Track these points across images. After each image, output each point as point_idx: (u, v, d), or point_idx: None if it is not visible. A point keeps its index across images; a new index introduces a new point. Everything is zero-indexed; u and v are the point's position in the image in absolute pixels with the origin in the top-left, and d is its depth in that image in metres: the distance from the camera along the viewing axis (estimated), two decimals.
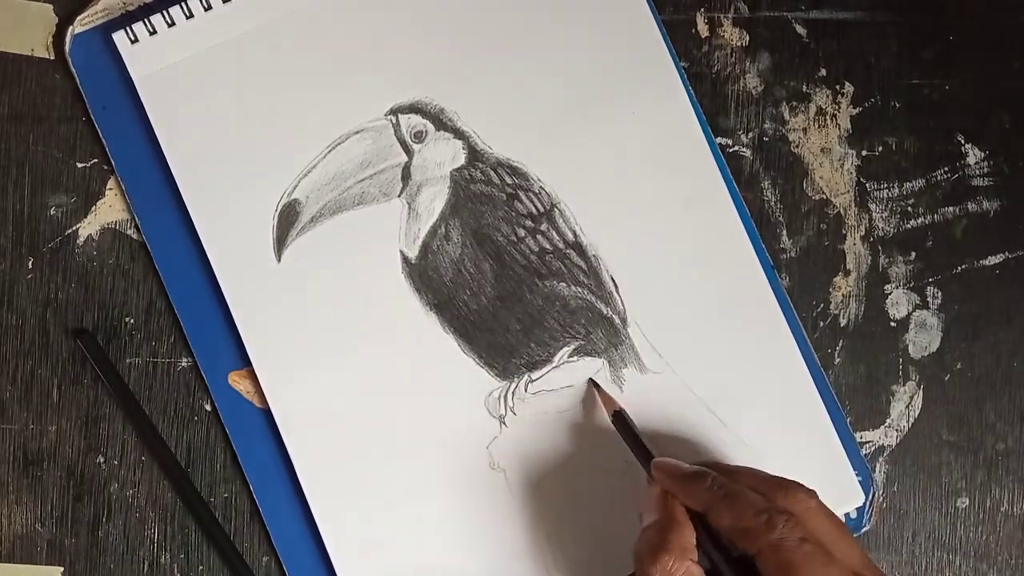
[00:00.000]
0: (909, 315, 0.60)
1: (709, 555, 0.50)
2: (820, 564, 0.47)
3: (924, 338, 0.60)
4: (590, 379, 0.58)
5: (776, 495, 0.50)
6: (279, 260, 0.57)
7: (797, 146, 0.60)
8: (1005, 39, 0.60)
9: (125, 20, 0.57)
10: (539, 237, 0.58)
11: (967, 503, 0.60)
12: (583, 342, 0.58)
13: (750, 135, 0.60)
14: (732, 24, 0.60)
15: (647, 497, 0.52)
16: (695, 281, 0.58)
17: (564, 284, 0.58)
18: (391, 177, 0.58)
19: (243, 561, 0.58)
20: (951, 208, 0.60)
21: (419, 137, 0.58)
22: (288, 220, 0.58)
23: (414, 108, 0.58)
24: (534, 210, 0.58)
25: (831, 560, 0.47)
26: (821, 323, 0.59)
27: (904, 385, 0.60)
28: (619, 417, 0.56)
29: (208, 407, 0.58)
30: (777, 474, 0.52)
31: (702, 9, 0.60)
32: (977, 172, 0.60)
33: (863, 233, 0.60)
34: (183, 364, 0.58)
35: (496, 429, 0.58)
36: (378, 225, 0.58)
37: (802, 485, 0.51)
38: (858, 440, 0.59)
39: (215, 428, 0.58)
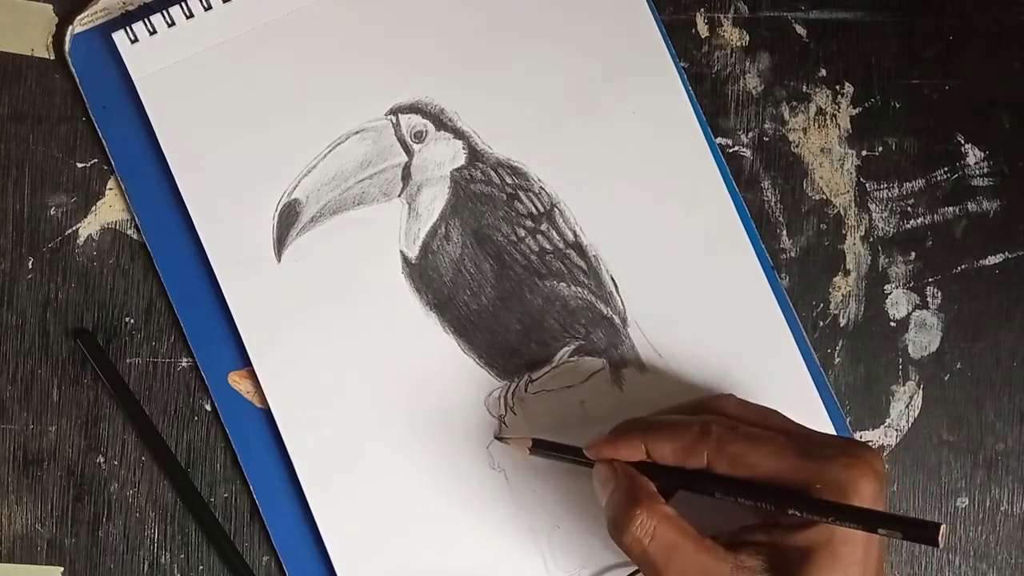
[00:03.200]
0: (909, 315, 0.60)
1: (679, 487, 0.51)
2: (762, 441, 0.48)
3: (924, 338, 0.60)
4: (496, 437, 0.58)
5: (700, 409, 0.52)
6: (279, 260, 0.57)
7: (797, 146, 0.60)
8: (1005, 39, 0.60)
9: (125, 20, 0.57)
10: (539, 237, 0.58)
11: (967, 503, 0.60)
12: (583, 342, 0.58)
13: (750, 135, 0.60)
14: (732, 24, 0.60)
15: (596, 478, 0.52)
16: (695, 281, 0.58)
17: (564, 284, 0.58)
18: (391, 177, 0.58)
19: (243, 561, 0.58)
20: (951, 208, 0.60)
21: (419, 137, 0.58)
22: (288, 220, 0.58)
23: (414, 108, 0.58)
24: (534, 210, 0.58)
25: (770, 433, 0.49)
26: (821, 323, 0.59)
27: (904, 385, 0.60)
28: (537, 443, 0.56)
29: (208, 407, 0.58)
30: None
31: (702, 9, 0.60)
32: (977, 172, 0.60)
33: (863, 233, 0.60)
34: (183, 364, 0.58)
35: (496, 429, 0.58)
36: (378, 225, 0.58)
37: (718, 393, 0.54)
38: (858, 440, 0.59)
39: (215, 428, 0.58)
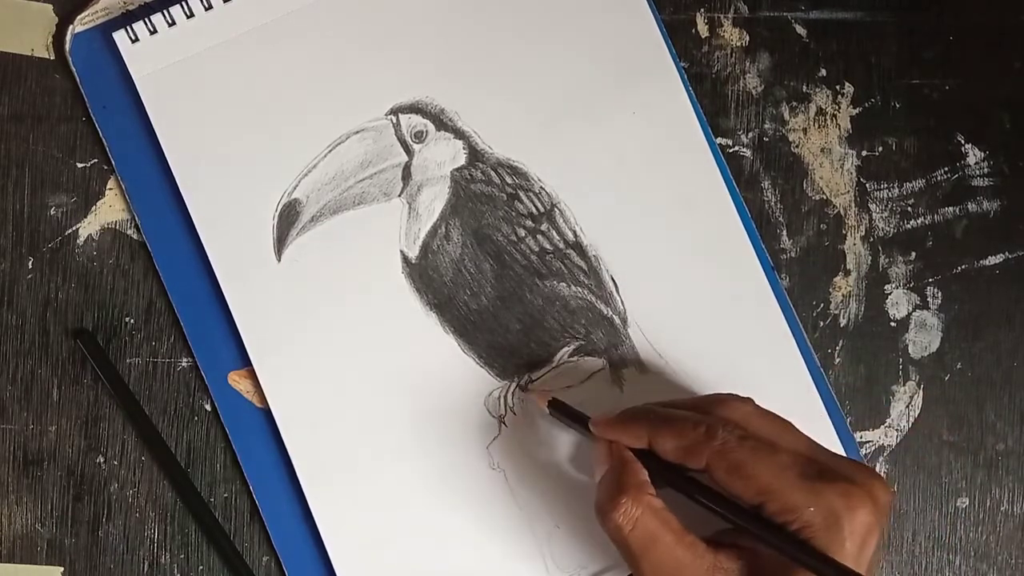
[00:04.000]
0: (909, 315, 0.60)
1: (669, 483, 0.51)
2: (766, 455, 0.47)
3: (924, 338, 0.60)
4: (518, 385, 0.58)
5: (713, 410, 0.51)
6: (279, 260, 0.57)
7: (797, 146, 0.60)
8: (1005, 39, 0.60)
9: (125, 19, 0.57)
10: (539, 237, 0.58)
11: (967, 503, 0.60)
12: (583, 342, 0.58)
13: (750, 135, 0.60)
14: (732, 24, 0.60)
15: (593, 455, 0.53)
16: (695, 281, 0.58)
17: (564, 284, 0.58)
18: (391, 177, 0.58)
19: (243, 561, 0.57)
20: (951, 208, 0.60)
21: (419, 137, 0.58)
22: (288, 220, 0.58)
23: (414, 108, 0.58)
24: (534, 210, 0.58)
25: (776, 449, 0.48)
26: (821, 323, 0.60)
27: (904, 385, 0.60)
28: (555, 404, 0.56)
29: (208, 407, 0.58)
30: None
31: (702, 9, 0.60)
32: (977, 172, 0.60)
33: (863, 233, 0.60)
34: (183, 364, 0.58)
35: (496, 429, 0.58)
36: (378, 225, 0.58)
37: (735, 394, 0.52)
38: (858, 440, 0.59)
39: (215, 428, 0.58)
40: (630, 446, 0.51)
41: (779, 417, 0.51)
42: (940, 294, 0.60)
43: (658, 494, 0.49)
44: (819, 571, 0.45)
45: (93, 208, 0.58)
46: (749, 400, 0.51)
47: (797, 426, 0.51)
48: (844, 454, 0.58)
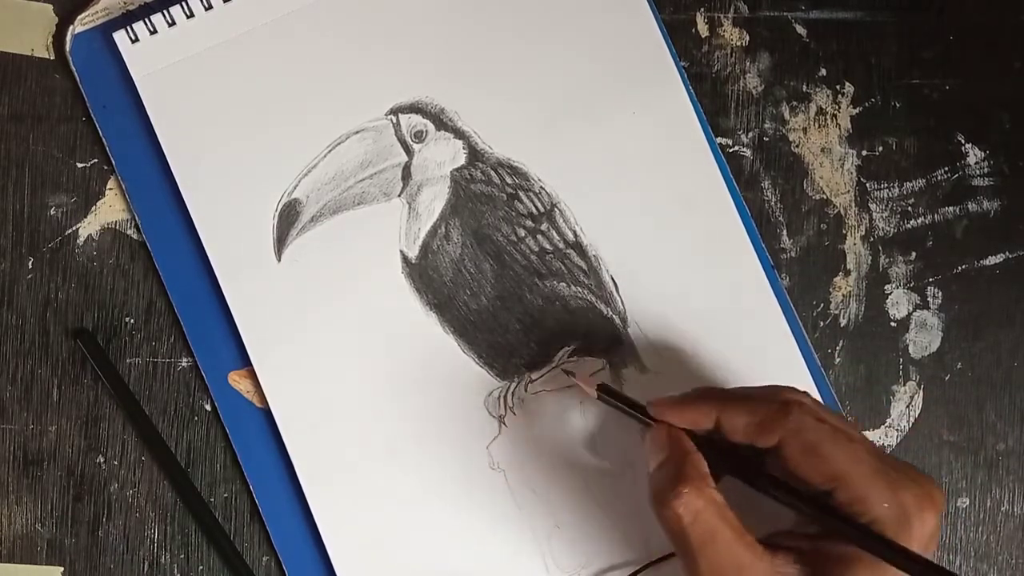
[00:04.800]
0: (909, 315, 0.60)
1: (729, 472, 0.49)
2: (844, 440, 0.46)
3: (924, 338, 0.60)
4: (562, 368, 0.58)
5: (777, 396, 0.49)
6: (279, 260, 0.57)
7: (797, 146, 0.60)
8: (1005, 39, 0.60)
9: (126, 19, 0.57)
10: (539, 237, 0.58)
11: (967, 503, 0.60)
12: (583, 342, 0.58)
13: (750, 135, 0.60)
14: (732, 24, 0.60)
15: (650, 441, 0.51)
16: (695, 281, 0.58)
17: (564, 284, 0.58)
18: (391, 177, 0.58)
19: (243, 561, 0.57)
20: (951, 208, 0.60)
21: (419, 137, 0.58)
22: (288, 220, 0.58)
23: (414, 108, 0.58)
24: (534, 210, 0.58)
25: (851, 439, 0.46)
26: (821, 323, 0.59)
27: (904, 385, 0.60)
28: (604, 388, 0.54)
29: (208, 407, 0.58)
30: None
31: (702, 9, 0.60)
32: (977, 172, 0.60)
33: (863, 233, 0.60)
34: (183, 364, 0.58)
35: (496, 429, 0.58)
36: (378, 225, 0.58)
37: (793, 387, 0.50)
38: None
39: (215, 428, 0.58)
40: (694, 427, 0.50)
41: (841, 414, 0.50)
42: (940, 294, 0.60)
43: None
44: (896, 562, 0.44)
45: (93, 208, 0.58)
46: (806, 393, 0.50)
47: None
48: None
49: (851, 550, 0.46)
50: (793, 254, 0.60)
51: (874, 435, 0.59)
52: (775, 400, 0.48)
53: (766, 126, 0.60)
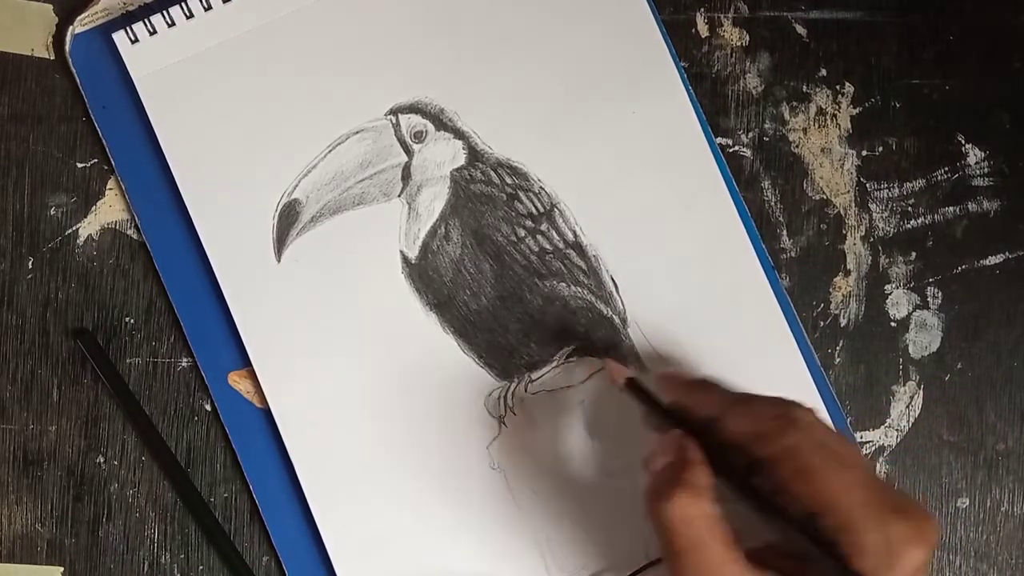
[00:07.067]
0: (909, 315, 0.60)
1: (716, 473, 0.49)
2: (837, 467, 0.45)
3: (924, 338, 0.60)
4: (601, 353, 0.57)
5: (785, 407, 0.48)
6: (279, 260, 0.57)
7: (797, 146, 0.60)
8: (1005, 39, 0.60)
9: (125, 20, 0.57)
10: (539, 237, 0.58)
11: (967, 503, 0.60)
12: (583, 342, 0.58)
13: (750, 135, 0.60)
14: (732, 24, 0.60)
15: (662, 443, 0.50)
16: (695, 281, 0.58)
17: (564, 284, 0.58)
18: (391, 177, 0.58)
19: (243, 561, 0.58)
20: (951, 208, 0.60)
21: (419, 137, 0.58)
22: (288, 220, 0.58)
23: (414, 108, 0.58)
24: (534, 210, 0.58)
25: (846, 465, 0.46)
26: (821, 323, 0.59)
27: (904, 385, 0.60)
28: (633, 384, 0.54)
29: (208, 407, 0.58)
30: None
31: (702, 9, 0.60)
32: (977, 172, 0.60)
33: (863, 233, 0.60)
34: (183, 364, 0.58)
35: (496, 429, 0.58)
36: (378, 225, 0.58)
37: (799, 402, 0.49)
38: (858, 440, 0.59)
39: (215, 428, 0.58)
40: (695, 410, 0.50)
41: (840, 432, 0.49)
42: (940, 294, 0.60)
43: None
44: None
45: (93, 208, 0.58)
46: (812, 411, 0.49)
47: None
48: None
49: None
50: (793, 254, 0.60)
51: (874, 435, 0.59)
52: (778, 414, 0.47)
53: (766, 126, 0.60)
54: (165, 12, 0.57)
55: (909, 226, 0.60)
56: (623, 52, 0.59)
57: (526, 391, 0.58)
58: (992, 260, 0.60)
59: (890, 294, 0.60)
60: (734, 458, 0.48)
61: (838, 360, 0.59)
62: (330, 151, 0.58)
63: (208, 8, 0.57)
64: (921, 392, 0.60)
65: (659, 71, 0.59)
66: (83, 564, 0.58)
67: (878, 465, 0.59)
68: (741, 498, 0.48)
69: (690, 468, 0.48)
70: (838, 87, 0.60)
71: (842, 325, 0.60)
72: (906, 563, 0.44)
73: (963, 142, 0.60)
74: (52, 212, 0.58)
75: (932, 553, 0.46)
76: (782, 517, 0.46)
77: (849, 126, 0.60)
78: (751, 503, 0.48)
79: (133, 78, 0.57)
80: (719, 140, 0.59)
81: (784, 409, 0.48)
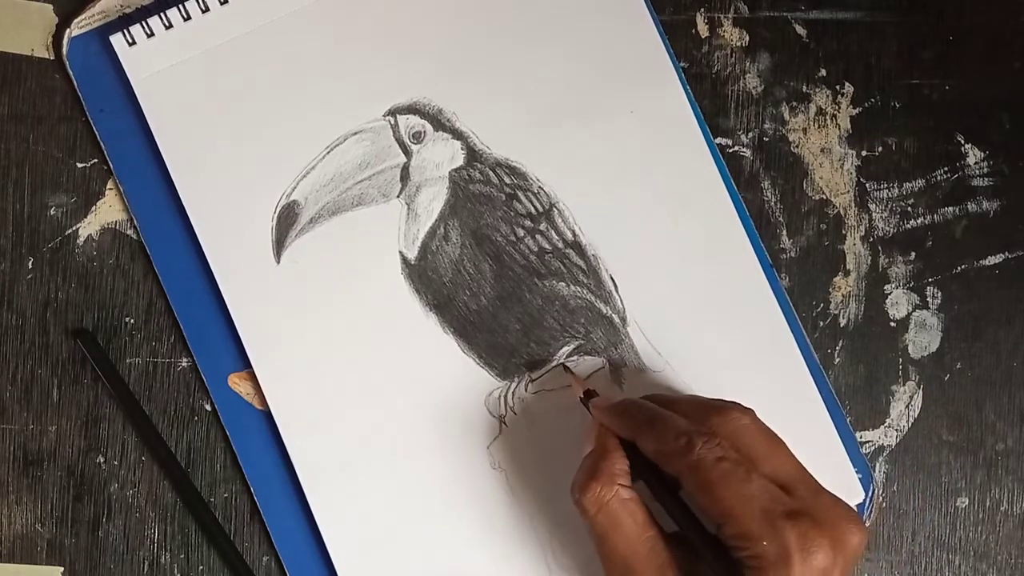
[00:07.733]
0: (909, 315, 0.60)
1: (646, 481, 0.52)
2: (737, 480, 0.48)
3: (924, 338, 0.60)
4: (563, 364, 0.58)
5: (710, 417, 0.51)
6: (278, 261, 0.58)
7: (797, 146, 0.60)
8: (1005, 39, 0.60)
9: (122, 23, 0.57)
10: (538, 237, 0.58)
11: (967, 503, 0.60)
12: (583, 342, 0.58)
13: (750, 135, 0.60)
14: (732, 24, 0.60)
15: (584, 432, 0.54)
16: (695, 281, 0.58)
17: (563, 284, 0.58)
18: (390, 178, 0.58)
19: (243, 561, 0.58)
20: (951, 208, 0.60)
21: (418, 138, 0.58)
22: (287, 221, 0.58)
23: (412, 109, 0.58)
24: (533, 210, 0.58)
25: (750, 475, 0.48)
26: (821, 323, 0.59)
27: (904, 385, 0.60)
28: (590, 395, 0.56)
29: (208, 407, 0.58)
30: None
31: (702, 9, 0.60)
32: (977, 172, 0.60)
33: (863, 233, 0.60)
34: (183, 364, 0.58)
35: (497, 429, 0.58)
36: (377, 226, 0.58)
37: (737, 404, 0.52)
38: (858, 440, 0.59)
39: (215, 428, 0.58)
40: (619, 434, 0.52)
41: (773, 437, 0.51)
42: (940, 294, 0.60)
43: (634, 486, 0.51)
44: None
45: (93, 208, 0.58)
46: (749, 412, 0.51)
47: (798, 436, 0.51)
48: (845, 455, 0.58)
49: (750, 553, 0.48)
50: (793, 254, 0.59)
51: (874, 435, 0.59)
52: (683, 435, 0.49)
53: (766, 126, 0.60)
54: (162, 15, 0.57)
55: (909, 226, 0.60)
56: (620, 52, 0.58)
57: (526, 391, 0.58)
58: (992, 260, 0.60)
59: (890, 294, 0.60)
60: (665, 474, 0.51)
61: (838, 360, 0.59)
62: (329, 152, 0.58)
63: (205, 10, 0.57)
64: (921, 392, 0.60)
65: (659, 71, 0.59)
66: (83, 564, 0.58)
67: (878, 465, 0.59)
68: (670, 511, 0.51)
69: (605, 457, 0.51)
70: (838, 87, 0.60)
71: (842, 325, 0.60)
72: (803, 569, 0.46)
73: (963, 142, 0.60)
74: (52, 212, 0.58)
75: (847, 555, 0.47)
76: (691, 531, 0.50)
77: (849, 126, 0.60)
78: (668, 511, 0.51)
79: (131, 81, 0.57)
80: (719, 140, 0.59)
81: (688, 427, 0.50)
